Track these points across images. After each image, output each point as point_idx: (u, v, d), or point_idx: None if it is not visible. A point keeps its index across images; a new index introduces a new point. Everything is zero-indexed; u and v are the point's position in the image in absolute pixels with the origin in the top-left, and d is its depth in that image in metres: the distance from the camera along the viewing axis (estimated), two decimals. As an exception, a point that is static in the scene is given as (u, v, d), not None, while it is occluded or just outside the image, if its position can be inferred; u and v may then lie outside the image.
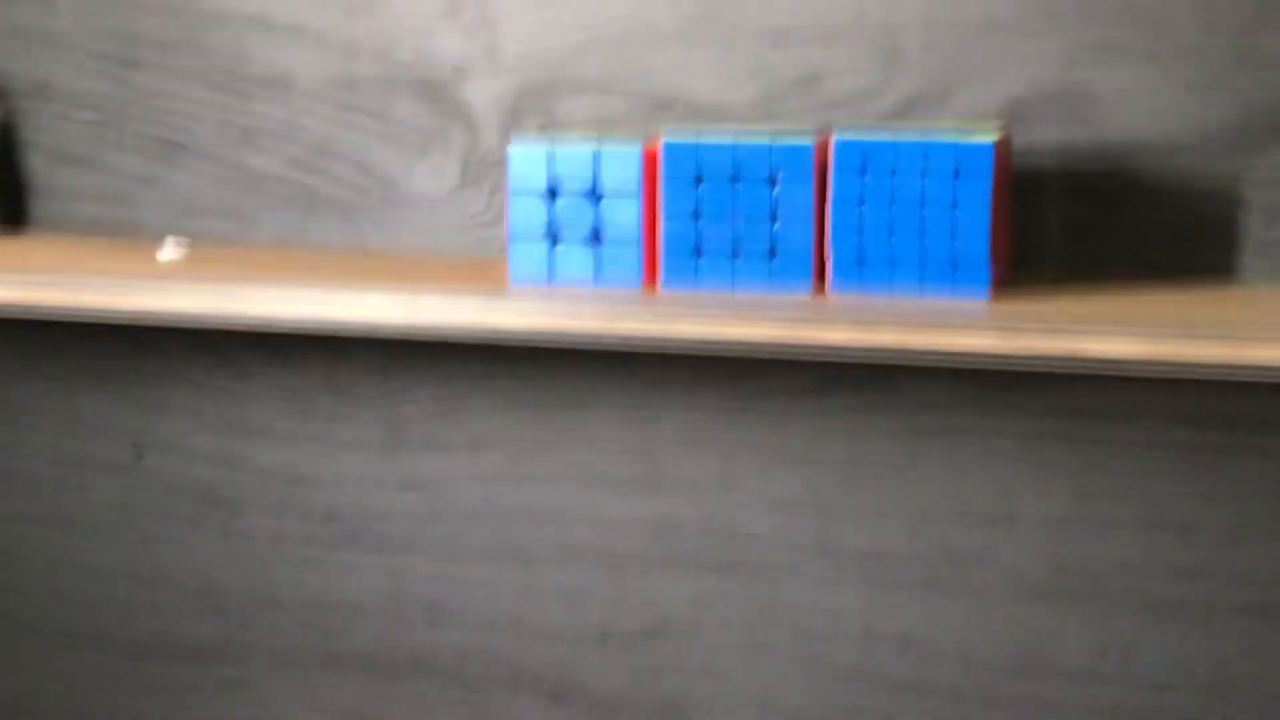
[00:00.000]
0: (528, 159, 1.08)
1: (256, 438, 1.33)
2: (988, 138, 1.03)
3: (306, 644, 1.34)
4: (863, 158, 1.03)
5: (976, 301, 1.02)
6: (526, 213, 1.08)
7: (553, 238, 1.08)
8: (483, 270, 1.18)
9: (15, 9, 1.32)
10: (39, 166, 1.34)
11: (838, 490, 1.21)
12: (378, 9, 1.25)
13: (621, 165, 1.07)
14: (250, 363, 1.32)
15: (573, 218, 1.08)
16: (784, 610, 1.24)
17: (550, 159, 1.08)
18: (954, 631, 1.20)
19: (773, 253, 1.05)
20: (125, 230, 1.33)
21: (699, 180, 1.06)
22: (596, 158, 1.07)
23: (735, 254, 1.06)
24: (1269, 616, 1.15)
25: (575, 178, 1.08)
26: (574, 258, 1.08)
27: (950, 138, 1.03)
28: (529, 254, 1.09)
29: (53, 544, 1.39)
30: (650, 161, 1.07)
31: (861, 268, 1.04)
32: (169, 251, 1.22)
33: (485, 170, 1.25)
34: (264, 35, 1.28)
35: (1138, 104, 1.11)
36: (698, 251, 1.06)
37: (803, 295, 1.05)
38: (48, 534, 1.39)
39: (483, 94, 1.24)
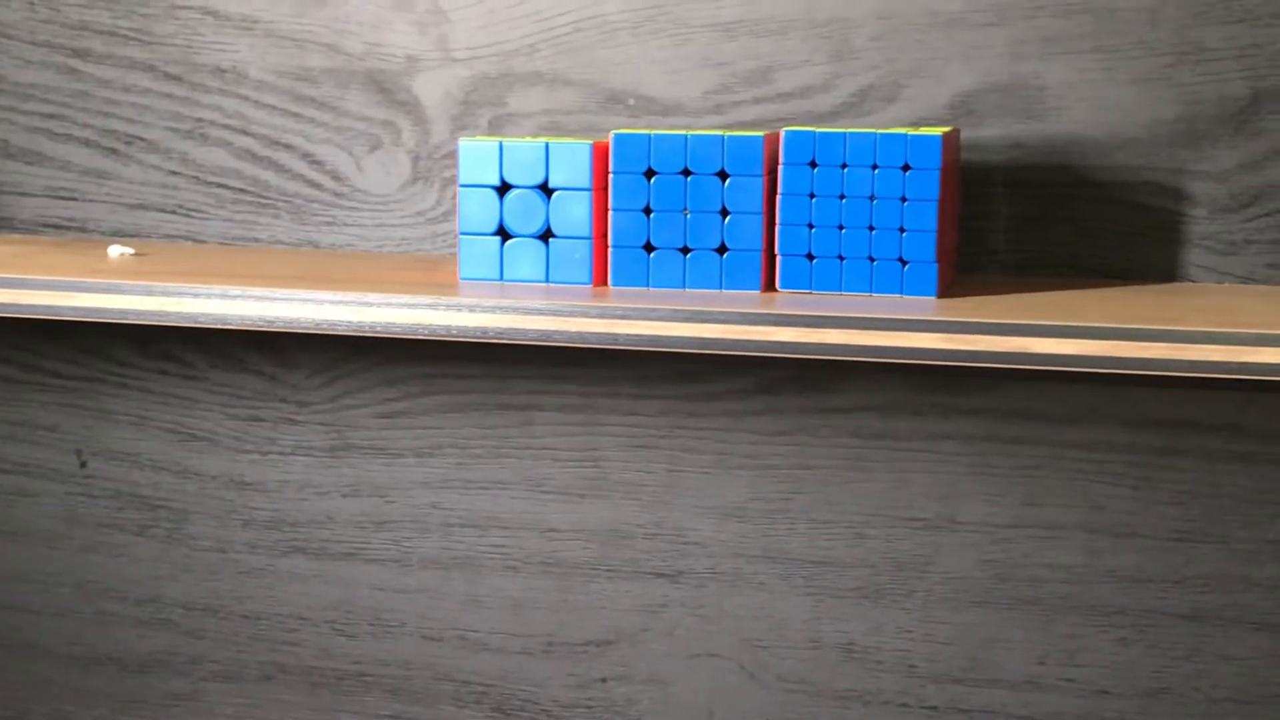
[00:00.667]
0: (478, 153, 1.08)
1: (201, 443, 1.32)
2: (936, 131, 1.04)
3: (251, 656, 1.33)
4: (813, 150, 1.04)
5: (924, 300, 1.03)
6: (477, 207, 1.08)
7: (503, 233, 1.08)
8: (433, 267, 1.17)
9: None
10: (-14, 162, 1.33)
11: (783, 496, 1.21)
12: (330, 1, 1.25)
13: (572, 159, 1.07)
14: (196, 366, 1.31)
15: (523, 213, 1.08)
16: (730, 618, 1.23)
17: (501, 153, 1.08)
18: (898, 639, 1.20)
19: (723, 249, 1.06)
20: (74, 227, 1.32)
21: (650, 174, 1.06)
22: (547, 151, 1.07)
23: (686, 250, 1.06)
24: (1209, 621, 1.15)
25: (526, 172, 1.08)
26: (524, 254, 1.08)
27: (900, 131, 1.04)
28: (479, 250, 1.08)
29: (-6, 553, 1.37)
30: (601, 156, 1.08)
31: (810, 264, 1.05)
32: (118, 249, 1.21)
33: (436, 165, 1.25)
34: (215, 26, 1.28)
35: (1084, 97, 1.12)
36: (648, 247, 1.07)
37: (751, 294, 1.05)
38: (-11, 543, 1.37)
39: (434, 87, 1.24)
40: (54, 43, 1.31)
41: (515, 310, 1.02)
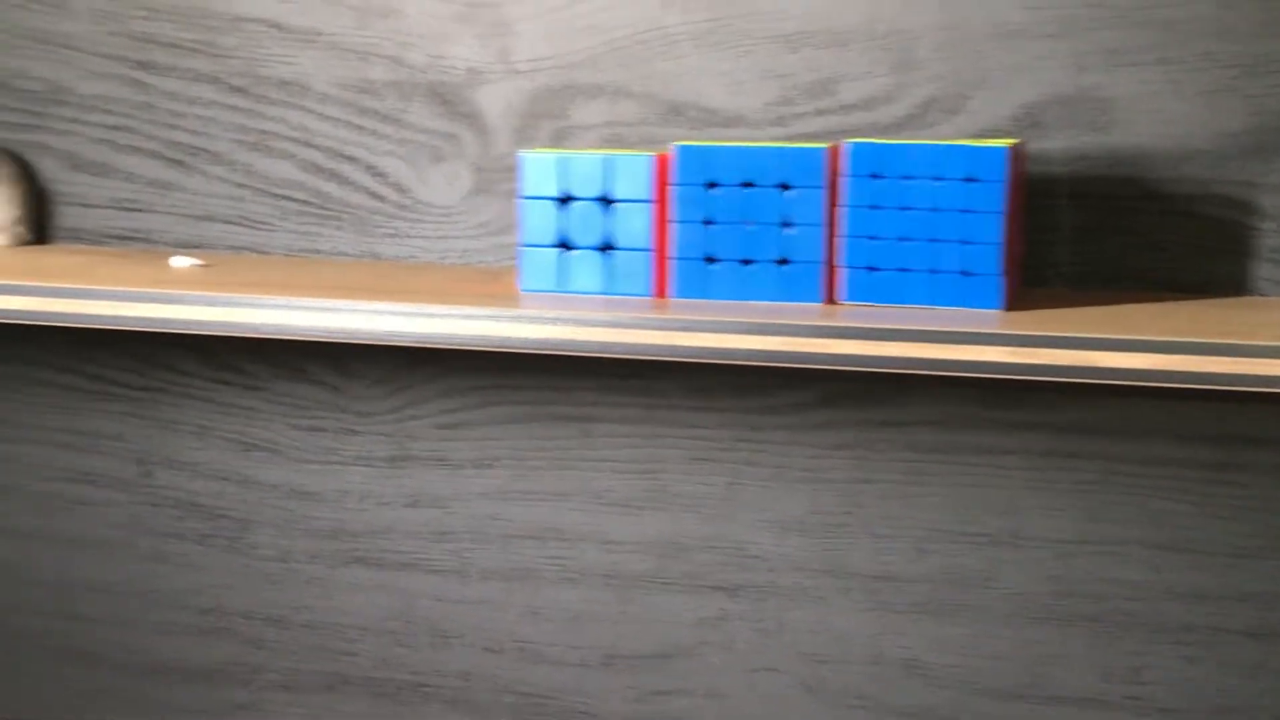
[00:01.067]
0: (540, 165, 1.08)
1: (263, 453, 1.33)
2: (1001, 143, 1.03)
3: (312, 666, 1.33)
4: (876, 162, 1.03)
5: (988, 313, 1.02)
6: (538, 219, 1.08)
7: (564, 245, 1.08)
8: (494, 279, 1.18)
9: (31, 13, 1.33)
10: (54, 173, 1.34)
11: (843, 510, 1.21)
12: (392, 14, 1.26)
13: (633, 171, 1.07)
14: (258, 376, 1.32)
15: (584, 225, 1.08)
16: (789, 633, 1.23)
17: (562, 165, 1.08)
18: (958, 655, 1.19)
19: (784, 261, 1.05)
20: (139, 238, 1.33)
21: (711, 186, 1.06)
22: (609, 164, 1.07)
23: (747, 262, 1.06)
24: (1274, 638, 1.14)
25: (587, 184, 1.08)
26: (585, 266, 1.08)
27: (964, 142, 1.03)
28: (540, 262, 1.09)
29: (60, 561, 1.38)
30: (663, 168, 1.07)
31: (873, 276, 1.04)
32: (182, 260, 1.22)
33: (497, 177, 1.25)
34: (279, 39, 1.28)
35: (1150, 110, 1.11)
36: (709, 259, 1.06)
37: (813, 306, 1.04)
38: (55, 551, 1.38)
39: (496, 100, 1.24)
40: (120, 55, 1.32)
41: (576, 322, 1.02)
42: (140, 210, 1.33)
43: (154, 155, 1.32)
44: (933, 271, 1.03)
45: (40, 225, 1.34)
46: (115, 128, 1.33)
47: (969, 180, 1.02)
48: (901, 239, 1.03)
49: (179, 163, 1.32)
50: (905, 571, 1.20)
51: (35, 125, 1.34)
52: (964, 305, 1.03)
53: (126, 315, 1.08)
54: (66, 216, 1.34)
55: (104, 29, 1.32)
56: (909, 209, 1.03)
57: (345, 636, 1.32)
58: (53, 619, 1.39)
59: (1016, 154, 1.06)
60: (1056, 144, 1.13)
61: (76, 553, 1.38)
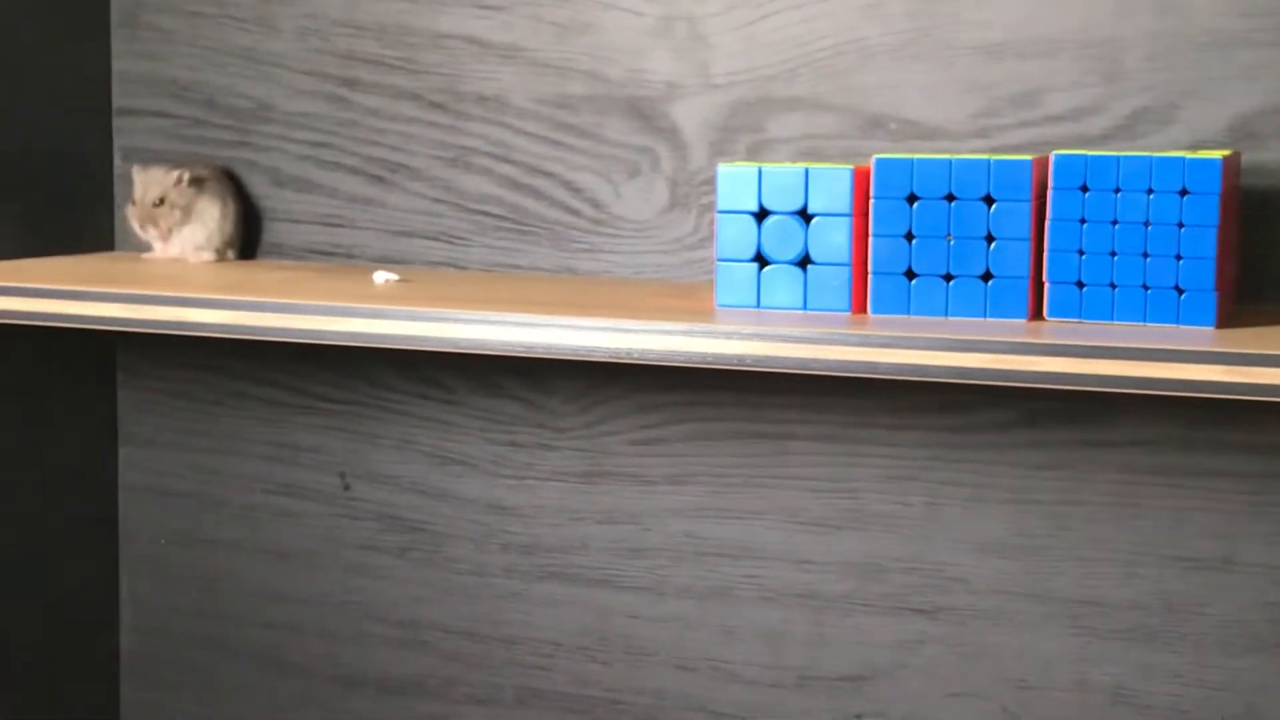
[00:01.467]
0: (737, 179, 1.07)
1: (460, 467, 1.33)
2: (1216, 154, 1.00)
3: (506, 680, 1.33)
4: (1084, 174, 1.01)
5: (1201, 330, 0.99)
6: (735, 234, 1.07)
7: (761, 260, 1.07)
8: (689, 294, 1.17)
9: (239, 31, 1.36)
10: (259, 189, 1.37)
11: (1047, 532, 1.18)
12: (591, 29, 1.26)
13: (832, 185, 1.05)
14: (456, 391, 1.33)
15: (781, 239, 1.07)
16: (991, 657, 1.20)
17: (760, 179, 1.07)
18: (1167, 683, 1.16)
19: (988, 276, 1.03)
20: (340, 253, 1.35)
21: (912, 199, 1.04)
22: (807, 177, 1.06)
23: (948, 277, 1.04)
24: None
25: (785, 198, 1.06)
26: (782, 281, 1.07)
27: (1177, 154, 1.00)
28: (737, 277, 1.07)
29: (262, 572, 1.40)
30: (862, 181, 1.06)
31: (1080, 292, 1.01)
32: (383, 275, 1.23)
33: (694, 191, 1.24)
34: (479, 55, 1.29)
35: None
36: (909, 274, 1.04)
37: (1017, 323, 1.02)
38: (257, 562, 1.40)
39: (693, 114, 1.23)
40: (323, 72, 1.34)
41: (773, 338, 1.00)
42: (342, 226, 1.35)
43: (356, 171, 1.34)
44: (1143, 287, 1.00)
45: (247, 241, 1.37)
46: (318, 144, 1.35)
47: (1182, 193, 0.99)
48: (1110, 253, 1.00)
49: (380, 179, 1.33)
50: (1112, 596, 1.17)
51: (241, 142, 1.37)
52: (1175, 322, 1.00)
53: (331, 330, 1.10)
54: (271, 232, 1.37)
55: (309, 47, 1.34)
56: (1118, 223, 1.00)
57: (540, 651, 1.32)
58: (254, 628, 1.41)
59: (1231, 166, 1.02)
60: (1272, 155, 1.09)
61: (278, 564, 1.40)
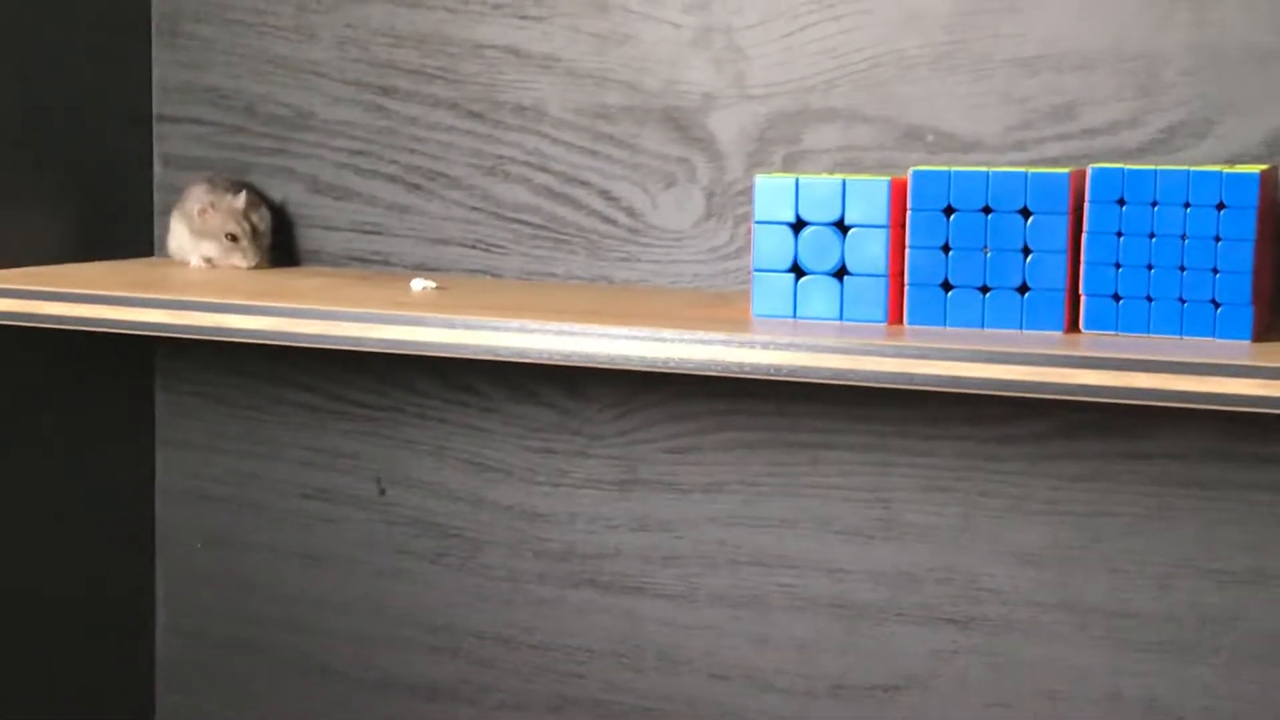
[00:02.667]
0: (774, 190, 1.07)
1: (496, 474, 1.34)
2: (1253, 169, 1.00)
3: (540, 687, 1.34)
4: (1121, 188, 1.01)
5: (1238, 344, 0.99)
6: (772, 244, 1.08)
7: (797, 270, 1.07)
8: (725, 304, 1.17)
9: (278, 40, 1.37)
10: (298, 196, 1.38)
11: (1081, 544, 1.18)
12: (629, 40, 1.26)
13: (869, 196, 1.06)
14: (492, 398, 1.33)
15: (818, 250, 1.07)
16: (1024, 668, 1.20)
17: (797, 190, 1.07)
18: (1201, 696, 1.16)
19: (1024, 288, 1.03)
20: (378, 260, 1.36)
21: (949, 211, 1.04)
22: (844, 188, 1.06)
23: (985, 289, 1.04)
24: None
25: (822, 209, 1.07)
26: (818, 291, 1.07)
27: (1215, 168, 1.00)
28: (773, 287, 1.08)
29: (298, 576, 1.41)
30: (899, 192, 1.06)
31: (1116, 305, 1.01)
32: (420, 283, 1.24)
33: (730, 202, 1.25)
34: (517, 65, 1.30)
35: None
36: (946, 286, 1.05)
37: (1053, 335, 1.02)
38: (293, 566, 1.41)
39: (729, 124, 1.24)
40: (362, 81, 1.35)
41: (808, 348, 1.01)
42: (379, 234, 1.35)
43: (393, 179, 1.35)
44: (1179, 301, 1.00)
45: (286, 248, 1.38)
46: (357, 152, 1.35)
47: (1219, 207, 0.99)
48: (1147, 267, 1.01)
49: (417, 187, 1.34)
50: (1146, 608, 1.16)
51: (280, 150, 1.38)
52: (1211, 336, 1.00)
53: (369, 337, 1.10)
54: (309, 239, 1.38)
55: (348, 56, 1.35)
56: (1155, 236, 1.00)
57: (573, 659, 1.33)
58: (290, 632, 1.42)
59: (1268, 180, 1.02)
60: (1313, 169, 1.09)
61: (314, 568, 1.41)
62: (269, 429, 1.41)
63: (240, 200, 1.32)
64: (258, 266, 1.32)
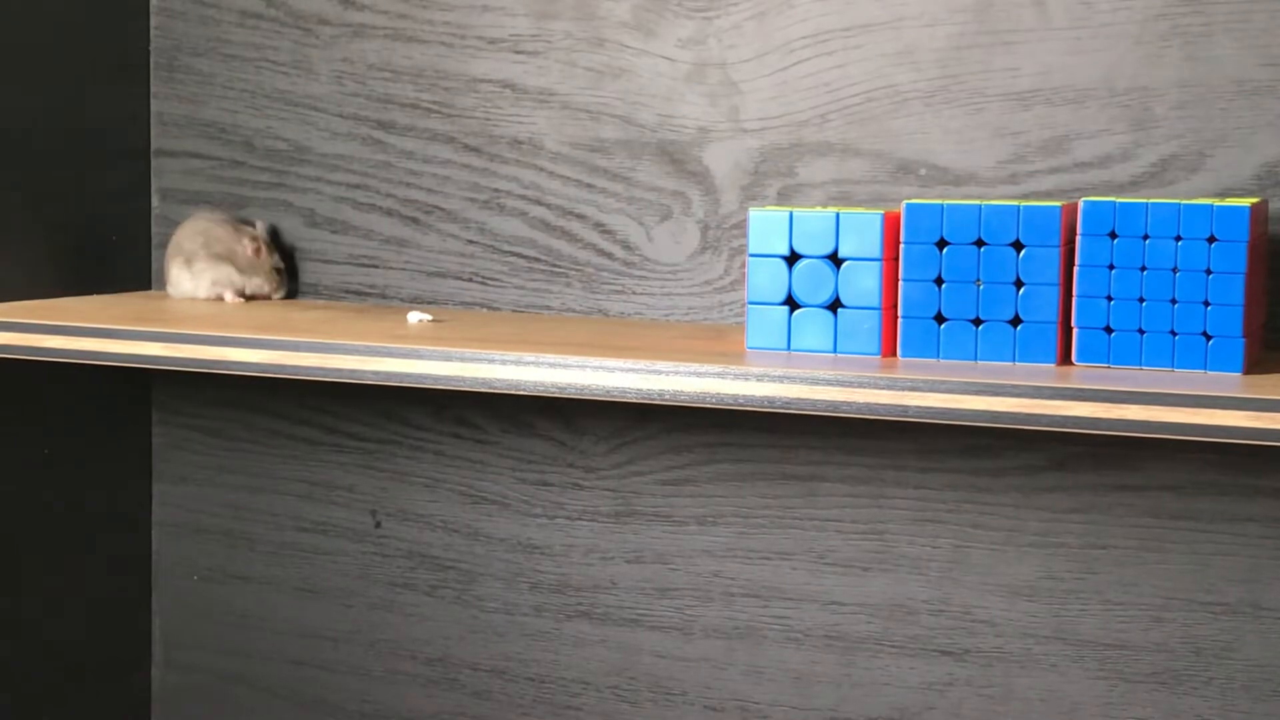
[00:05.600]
0: (768, 223, 1.08)
1: (491, 506, 1.34)
2: (1244, 202, 1.00)
3: (535, 718, 1.34)
4: (1113, 221, 1.01)
5: (1229, 376, 0.99)
6: (766, 277, 1.08)
7: (791, 303, 1.08)
8: (720, 337, 1.18)
9: (276, 75, 1.38)
10: (296, 230, 1.38)
11: (1075, 576, 1.18)
12: (624, 74, 1.27)
13: (863, 229, 1.06)
14: (487, 430, 1.34)
15: (812, 283, 1.07)
16: (1018, 700, 1.20)
17: (791, 223, 1.08)
18: (1198, 728, 1.16)
19: (1017, 321, 1.04)
20: (374, 293, 1.36)
21: (942, 245, 1.05)
22: (837, 221, 1.07)
23: (978, 322, 1.04)
24: None
25: (816, 242, 1.07)
26: (813, 324, 1.07)
27: (1206, 201, 1.00)
28: (767, 320, 1.08)
29: (293, 609, 1.41)
30: (892, 226, 1.07)
31: (1108, 337, 1.02)
32: (417, 316, 1.24)
33: (725, 235, 1.25)
34: (513, 99, 1.31)
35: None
36: (939, 319, 1.05)
37: (1046, 367, 1.03)
38: (288, 598, 1.41)
39: (724, 158, 1.25)
40: (360, 115, 1.35)
41: (803, 380, 1.01)
42: (376, 267, 1.36)
43: (390, 213, 1.35)
44: (1171, 333, 1.01)
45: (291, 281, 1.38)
46: (354, 186, 1.36)
47: (1210, 240, 1.00)
48: (1139, 299, 1.01)
49: (414, 220, 1.35)
50: (1140, 640, 1.17)
51: (278, 184, 1.38)
52: (1203, 368, 1.00)
53: (365, 369, 1.11)
54: (306, 272, 1.38)
55: (345, 90, 1.35)
56: (1147, 269, 1.01)
57: (568, 690, 1.33)
58: (286, 665, 1.42)
59: (1258, 213, 1.03)
60: (1302, 203, 1.10)
61: (309, 601, 1.41)
62: (265, 462, 1.41)
63: (263, 232, 1.34)
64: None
